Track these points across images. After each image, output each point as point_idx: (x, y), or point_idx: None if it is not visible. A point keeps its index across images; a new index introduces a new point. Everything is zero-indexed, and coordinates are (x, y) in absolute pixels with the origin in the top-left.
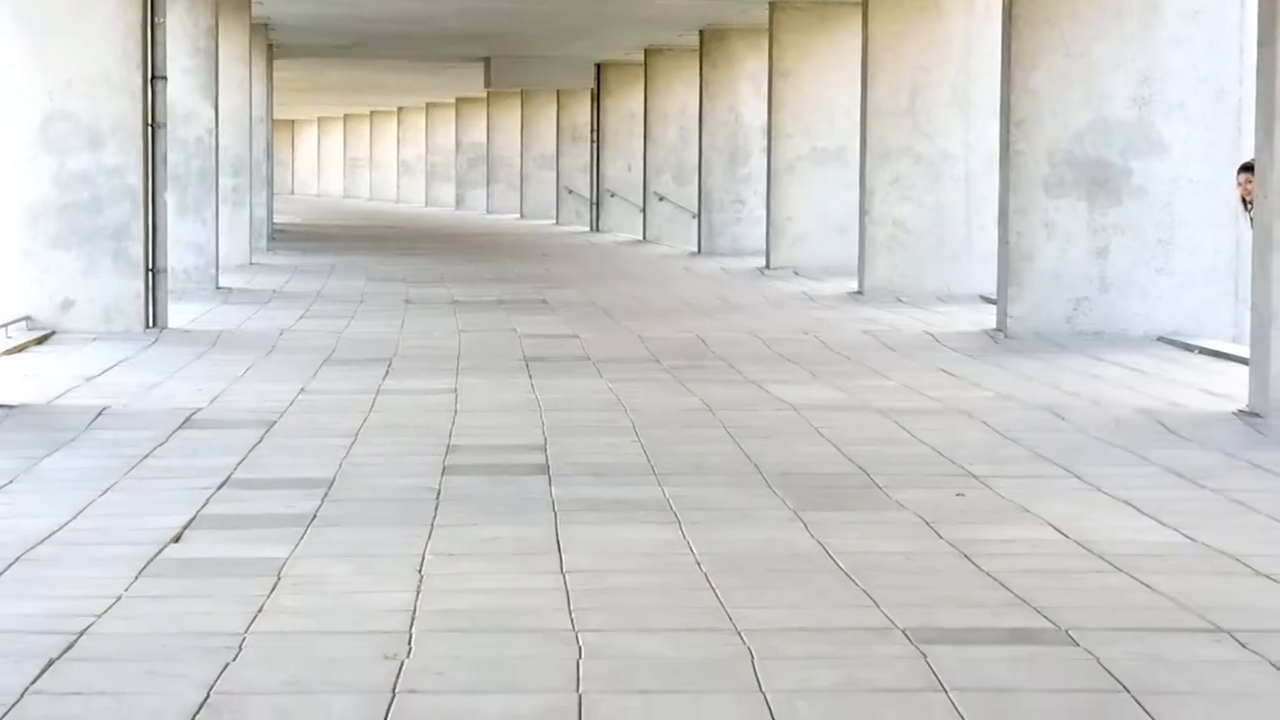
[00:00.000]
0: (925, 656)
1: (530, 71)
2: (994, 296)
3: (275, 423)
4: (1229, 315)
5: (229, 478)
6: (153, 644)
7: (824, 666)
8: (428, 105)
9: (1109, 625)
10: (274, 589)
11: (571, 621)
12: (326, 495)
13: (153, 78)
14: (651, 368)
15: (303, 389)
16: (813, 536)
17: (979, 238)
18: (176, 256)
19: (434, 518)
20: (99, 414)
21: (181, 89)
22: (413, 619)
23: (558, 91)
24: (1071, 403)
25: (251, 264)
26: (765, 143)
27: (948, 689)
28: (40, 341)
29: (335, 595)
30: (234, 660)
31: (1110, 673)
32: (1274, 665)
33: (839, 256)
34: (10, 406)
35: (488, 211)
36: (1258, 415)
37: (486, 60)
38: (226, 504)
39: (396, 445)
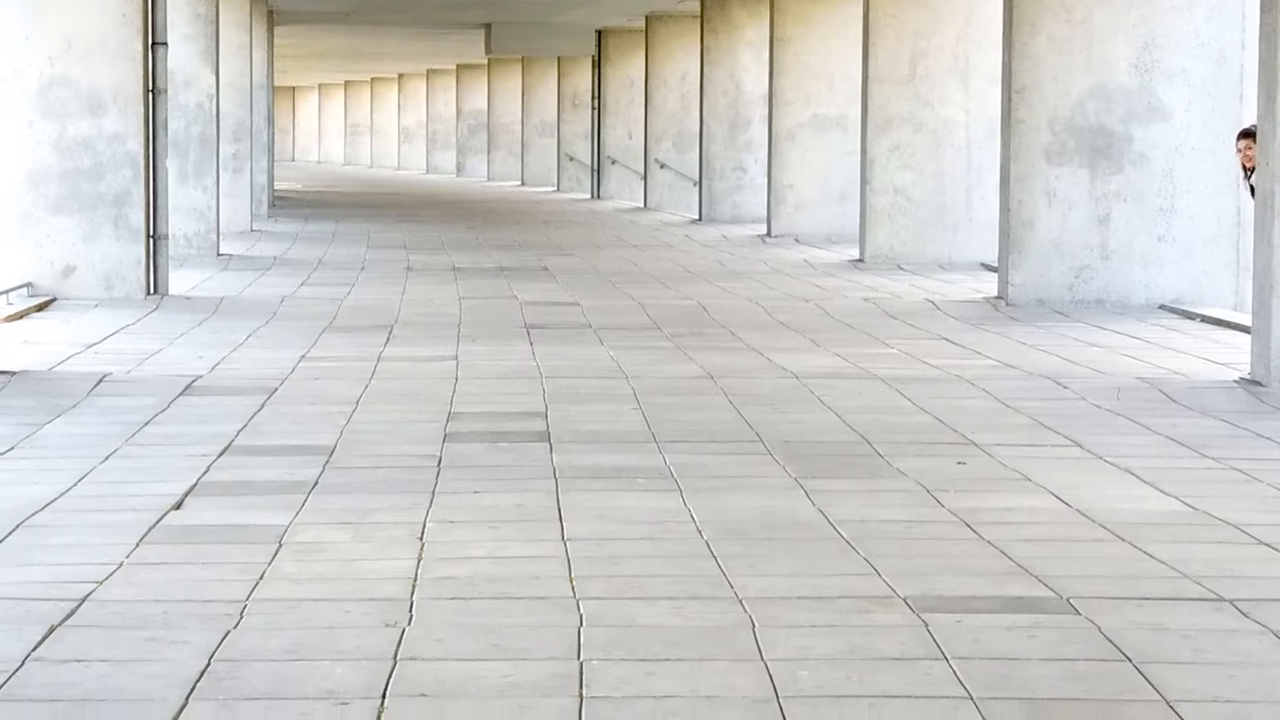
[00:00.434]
0: (926, 625)
1: (531, 38)
2: (995, 264)
3: (276, 390)
4: (1231, 283)
5: (230, 445)
6: (154, 611)
7: (825, 635)
8: (428, 72)
9: (1110, 594)
10: (275, 556)
11: (572, 589)
12: (327, 462)
13: (153, 43)
14: (653, 335)
15: (304, 356)
16: (814, 504)
17: (980, 205)
18: (177, 223)
19: (435, 485)
20: (100, 381)
21: (182, 55)
22: (414, 586)
23: (559, 58)
24: (1073, 371)
25: (252, 231)
26: (766, 110)
27: (949, 657)
28: (41, 308)
29: (336, 562)
30: (235, 627)
31: (1111, 641)
32: (1276, 635)
33: (840, 224)
34: (11, 373)
35: (488, 179)
36: (1259, 384)
37: (487, 26)
38: (227, 471)
39: (397, 412)
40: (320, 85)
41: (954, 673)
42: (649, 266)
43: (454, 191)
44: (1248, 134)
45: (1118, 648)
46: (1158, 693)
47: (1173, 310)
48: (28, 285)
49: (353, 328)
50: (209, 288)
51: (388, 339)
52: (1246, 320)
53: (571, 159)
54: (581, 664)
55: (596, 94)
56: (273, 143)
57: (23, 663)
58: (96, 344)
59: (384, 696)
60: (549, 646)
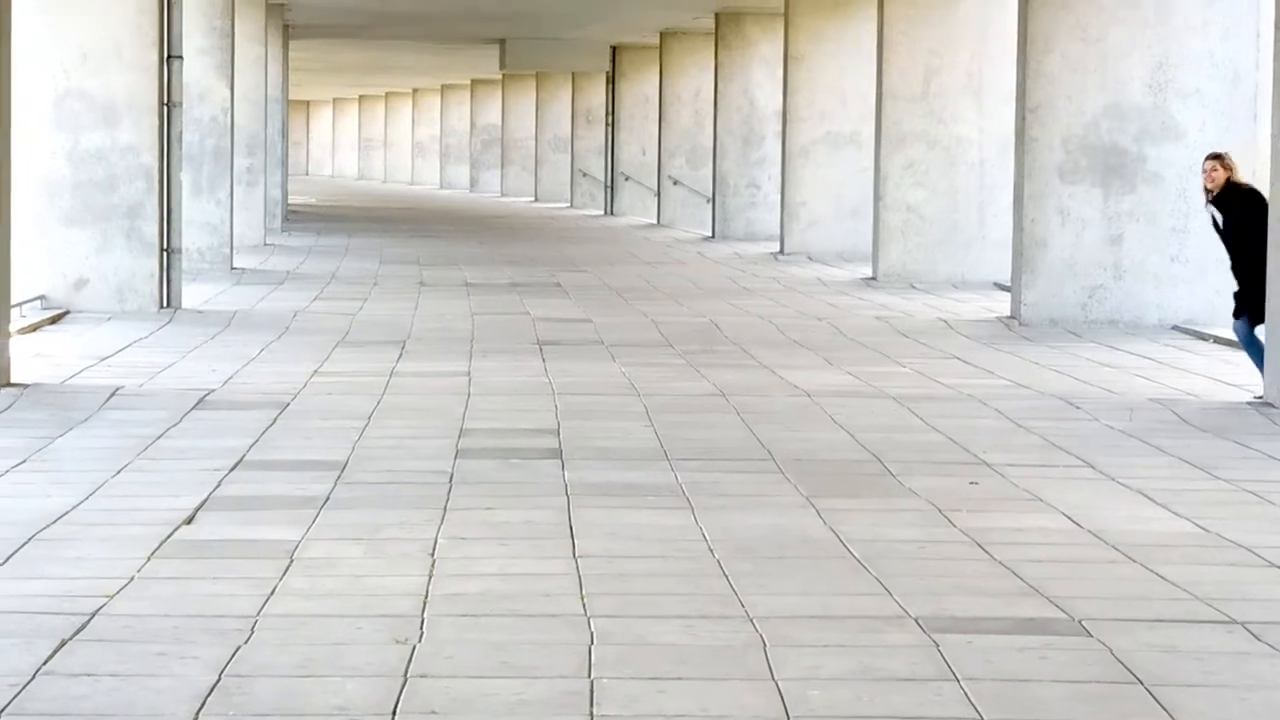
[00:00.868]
0: (937, 645)
1: (545, 54)
2: (1008, 283)
3: (288, 404)
4: None
5: (242, 459)
6: (164, 625)
7: (836, 654)
8: (443, 87)
9: (1121, 615)
10: (286, 571)
11: (583, 606)
12: (339, 478)
13: (168, 56)
14: (664, 352)
15: (316, 371)
16: (825, 523)
17: (993, 224)
18: (190, 236)
19: (446, 501)
20: (112, 394)
21: (197, 68)
22: (425, 603)
23: (573, 74)
24: (1085, 391)
25: (266, 244)
26: (779, 127)
27: (960, 678)
28: (54, 320)
29: (347, 578)
30: (245, 642)
31: (1123, 663)
32: None
33: (853, 241)
34: (24, 386)
35: (502, 194)
36: (1271, 405)
37: (502, 42)
38: (239, 486)
39: (409, 428)
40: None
41: (965, 693)
42: (661, 283)
43: (467, 206)
44: (1215, 156)
45: (1129, 669)
46: (1169, 715)
47: (1185, 331)
48: (41, 298)
49: (365, 343)
50: (222, 301)
51: (400, 354)
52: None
53: (585, 175)
54: (592, 682)
55: (610, 110)
56: (287, 156)
57: (33, 676)
58: (109, 357)
59: (394, 713)
60: (559, 664)
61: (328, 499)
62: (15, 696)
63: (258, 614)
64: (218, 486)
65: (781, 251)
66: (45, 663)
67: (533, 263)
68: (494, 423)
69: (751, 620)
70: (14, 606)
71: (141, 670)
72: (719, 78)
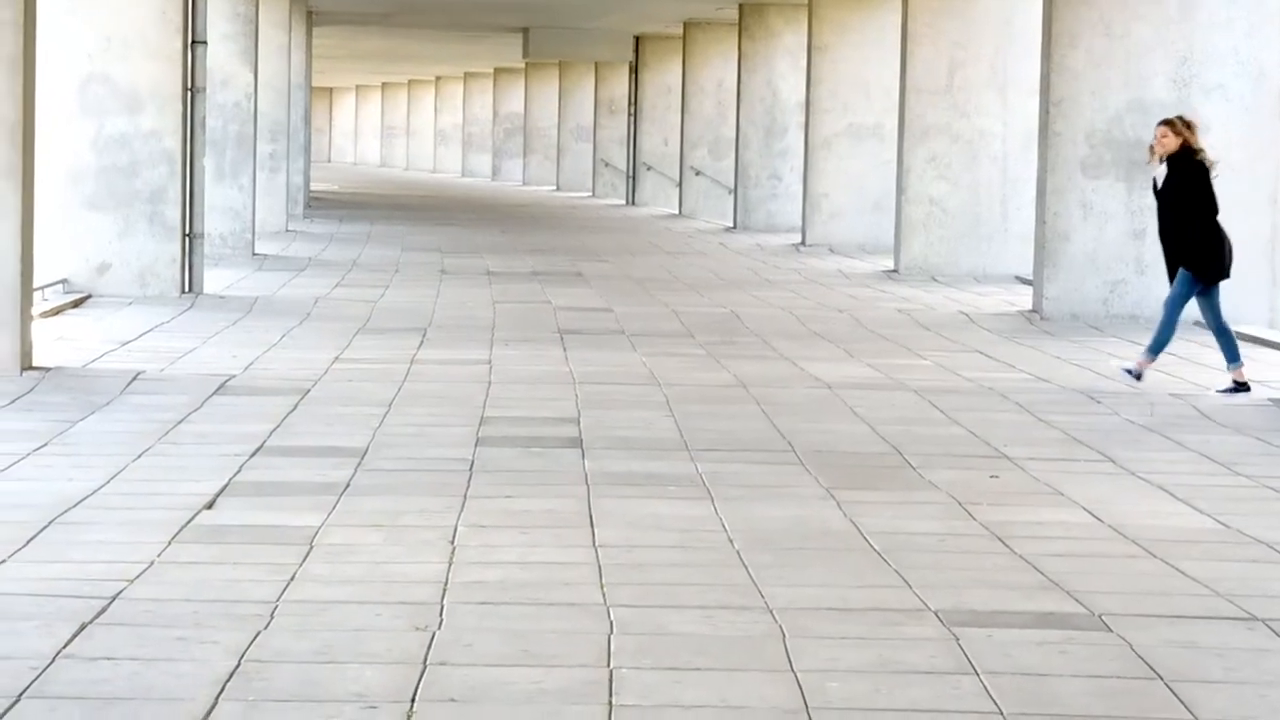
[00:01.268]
0: (957, 638)
1: (569, 43)
2: (1030, 277)
3: (309, 390)
4: (1266, 300)
5: (262, 445)
6: (184, 610)
7: (855, 646)
8: (465, 75)
9: (1142, 611)
10: (306, 557)
11: (603, 595)
12: (360, 464)
13: (193, 42)
14: (685, 342)
15: (337, 357)
16: (845, 515)
17: (1015, 218)
18: (213, 222)
19: (467, 489)
20: (134, 378)
21: (221, 54)
22: (444, 590)
23: (596, 63)
24: (1106, 386)
25: (288, 231)
26: (802, 118)
27: (979, 672)
28: (76, 304)
29: (367, 565)
30: (265, 628)
31: (1143, 659)
32: None
33: (874, 234)
34: (46, 369)
35: (524, 182)
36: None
37: (525, 30)
38: (260, 471)
39: (430, 415)
40: (357, 86)
41: (984, 687)
42: (683, 273)
43: (489, 195)
44: (1166, 122)
45: (1149, 665)
46: (1189, 711)
47: (1207, 327)
48: (64, 281)
49: (386, 330)
50: (244, 287)
51: (421, 341)
52: None
53: (607, 164)
54: (611, 671)
55: (633, 100)
56: (309, 143)
57: (53, 660)
58: (131, 341)
59: (413, 700)
60: (579, 653)
61: (348, 485)
62: (35, 679)
63: (277, 600)
64: (238, 472)
65: (803, 243)
66: (65, 646)
67: (554, 251)
68: (515, 411)
69: (771, 611)
70: (34, 590)
71: (161, 655)
72: (742, 68)
